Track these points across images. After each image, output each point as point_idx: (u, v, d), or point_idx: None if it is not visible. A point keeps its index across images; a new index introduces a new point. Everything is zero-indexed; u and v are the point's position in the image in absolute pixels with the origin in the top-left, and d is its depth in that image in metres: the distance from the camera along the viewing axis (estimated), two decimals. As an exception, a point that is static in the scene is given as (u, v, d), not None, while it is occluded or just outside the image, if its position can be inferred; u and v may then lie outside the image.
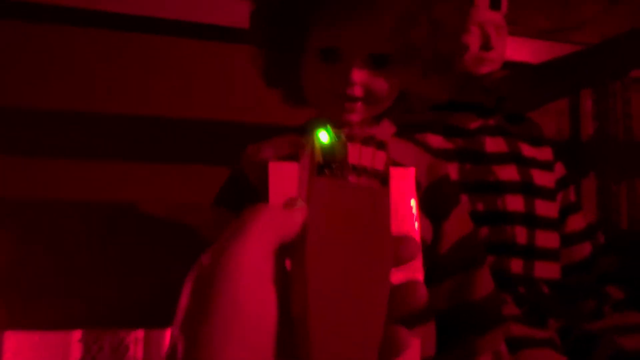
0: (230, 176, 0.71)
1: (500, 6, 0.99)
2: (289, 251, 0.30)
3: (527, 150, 0.99)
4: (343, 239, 0.30)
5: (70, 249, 0.94)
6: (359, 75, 0.60)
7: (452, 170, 0.92)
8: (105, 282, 0.95)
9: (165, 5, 1.05)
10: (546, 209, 0.96)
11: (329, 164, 0.34)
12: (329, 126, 0.36)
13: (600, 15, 1.25)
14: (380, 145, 0.37)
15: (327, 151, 0.34)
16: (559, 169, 1.04)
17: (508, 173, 0.95)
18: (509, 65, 1.05)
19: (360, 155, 0.37)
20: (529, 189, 0.95)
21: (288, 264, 0.31)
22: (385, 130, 0.69)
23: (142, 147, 1.08)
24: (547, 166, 1.01)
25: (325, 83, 0.62)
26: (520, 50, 1.22)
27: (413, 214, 0.54)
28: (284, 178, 0.51)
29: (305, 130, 0.69)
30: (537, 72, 1.24)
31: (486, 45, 0.95)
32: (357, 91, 0.61)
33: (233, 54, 1.09)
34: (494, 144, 0.97)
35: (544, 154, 1.02)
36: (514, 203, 0.93)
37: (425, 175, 0.67)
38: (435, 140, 0.94)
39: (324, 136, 0.35)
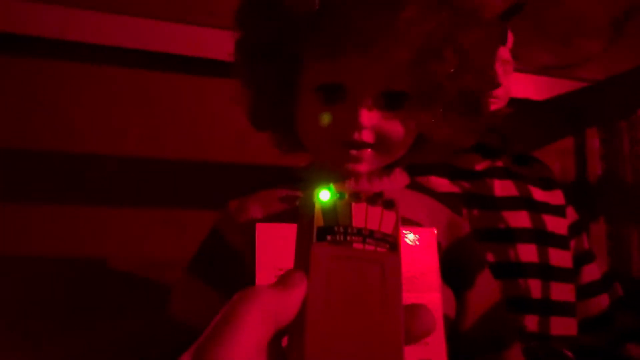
0: (208, 239, 0.59)
1: (506, 40, 0.93)
2: (286, 330, 0.27)
3: (538, 194, 0.93)
4: (347, 316, 0.28)
5: (30, 307, 0.83)
6: (368, 118, 0.51)
7: None
8: (69, 340, 0.84)
9: (140, 36, 0.96)
10: (561, 258, 0.89)
11: (331, 228, 0.30)
12: (331, 185, 0.32)
13: (605, 51, 1.21)
14: (389, 203, 0.31)
15: (329, 213, 0.31)
16: (571, 214, 0.97)
17: (520, 219, 0.88)
18: (510, 102, 0.99)
19: (366, 216, 0.32)
20: (542, 237, 0.88)
21: (285, 342, 0.28)
22: (398, 182, 0.60)
23: (115, 190, 0.97)
24: (559, 211, 0.94)
25: (326, 127, 0.52)
26: (523, 86, 1.17)
27: (435, 284, 0.45)
28: (274, 243, 0.43)
29: (301, 179, 0.60)
30: (540, 109, 1.19)
31: (493, 83, 0.89)
32: (366, 136, 0.51)
33: (215, 88, 0.99)
34: (503, 188, 0.90)
35: (556, 197, 0.95)
36: (527, 253, 0.86)
37: (445, 234, 0.57)
38: (440, 184, 0.87)
39: (325, 195, 0.31)
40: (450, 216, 0.59)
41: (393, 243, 0.31)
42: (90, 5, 0.93)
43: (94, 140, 0.96)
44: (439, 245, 0.55)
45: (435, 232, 0.45)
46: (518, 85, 1.10)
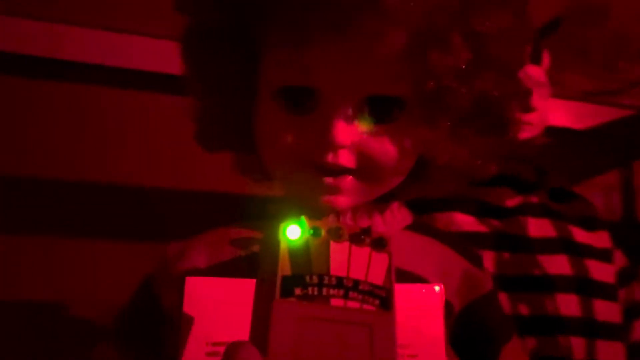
0: (138, 291, 0.48)
1: (540, 60, 0.84)
2: None
3: (580, 236, 0.82)
4: None
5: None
6: (346, 133, 0.38)
7: (488, 261, 0.75)
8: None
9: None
10: (608, 312, 0.79)
11: (301, 277, 0.24)
12: (303, 218, 0.25)
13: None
14: (380, 243, 0.22)
15: (299, 257, 0.24)
16: (619, 259, 0.86)
17: (558, 265, 0.78)
18: (547, 131, 0.90)
19: (349, 261, 0.24)
20: (585, 287, 0.78)
21: None
22: (395, 221, 0.48)
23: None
24: (605, 256, 0.83)
25: (292, 146, 0.41)
26: (561, 113, 1.08)
27: (441, 358, 0.34)
28: (211, 305, 0.33)
29: (267, 215, 0.48)
30: (582, 139, 1.11)
31: (525, 106, 0.80)
32: (344, 159, 0.40)
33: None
34: (538, 228, 0.80)
35: (601, 240, 0.84)
36: (568, 305, 0.75)
37: (459, 292, 0.46)
38: (465, 222, 0.77)
39: (293, 232, 0.25)
40: (467, 269, 0.47)
41: (385, 298, 0.24)
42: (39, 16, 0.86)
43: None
44: (449, 306, 0.44)
45: (442, 289, 0.35)
46: (556, 112, 1.02)
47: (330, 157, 0.39)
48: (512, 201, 0.82)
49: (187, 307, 0.34)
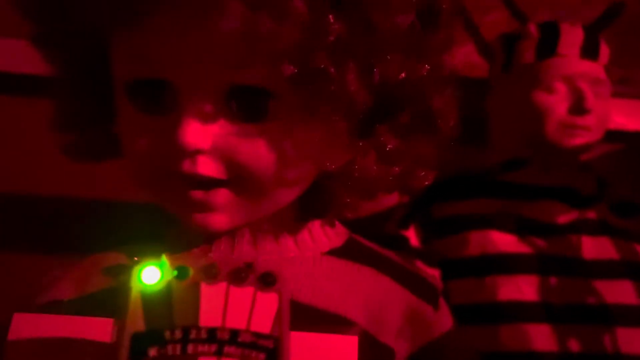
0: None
1: (597, 54, 0.74)
2: None
3: None
4: None
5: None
6: (201, 134, 0.32)
7: (530, 287, 0.66)
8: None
9: None
10: None
11: (158, 333, 0.18)
12: (163, 256, 0.21)
13: None
14: (266, 280, 0.16)
15: (157, 306, 0.19)
16: None
17: (620, 293, 0.68)
18: (613, 136, 0.82)
19: (226, 306, 0.19)
20: None
21: None
22: (317, 243, 0.39)
23: None
24: None
25: (148, 150, 0.34)
26: (627, 115, 0.96)
27: None
28: (38, 346, 0.26)
29: (162, 235, 0.41)
30: None
31: (578, 108, 0.71)
32: (206, 167, 0.33)
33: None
34: (595, 248, 0.70)
35: None
36: (631, 341, 0.65)
37: (402, 333, 0.38)
38: (503, 241, 0.69)
39: (150, 275, 0.20)
40: (413, 304, 0.39)
41: (273, 350, 0.19)
42: None
43: None
44: (389, 353, 0.36)
45: (357, 340, 0.27)
46: (621, 113, 0.91)
47: (186, 165, 0.32)
48: (565, 217, 0.72)
49: (10, 348, 0.28)
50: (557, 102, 0.71)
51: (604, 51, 0.74)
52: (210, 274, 0.20)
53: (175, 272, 0.20)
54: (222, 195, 0.34)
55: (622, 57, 0.79)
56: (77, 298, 0.37)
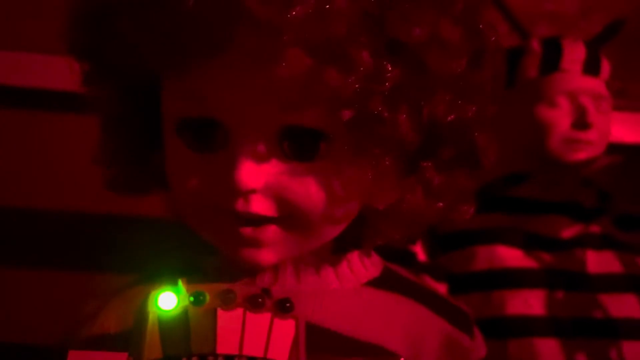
0: (53, 353, 0.40)
1: (599, 70, 0.75)
2: None
3: None
4: None
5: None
6: (255, 174, 0.32)
7: (538, 301, 0.67)
8: None
9: None
10: None
11: (174, 359, 0.18)
12: (179, 282, 0.21)
13: None
14: (283, 306, 0.16)
15: (174, 332, 0.19)
16: None
17: (625, 307, 0.68)
18: (615, 149, 0.83)
19: (243, 334, 0.19)
20: None
21: None
22: (356, 274, 0.40)
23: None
24: None
25: (199, 189, 0.35)
26: (630, 128, 0.96)
27: None
28: None
29: (201, 269, 0.40)
30: None
31: (581, 123, 0.72)
32: (258, 205, 0.33)
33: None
34: (600, 262, 0.71)
35: None
36: (638, 355, 0.65)
37: None
38: (510, 256, 0.69)
39: (167, 300, 0.20)
40: (450, 333, 0.40)
41: None
42: None
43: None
44: None
45: None
46: (623, 127, 0.90)
47: (239, 205, 0.32)
48: (569, 231, 0.72)
49: None
50: (560, 117, 0.71)
51: (605, 67, 0.75)
52: (227, 300, 0.20)
53: (192, 298, 0.20)
54: (271, 232, 0.34)
55: (620, 70, 0.80)
56: (121, 332, 0.37)
